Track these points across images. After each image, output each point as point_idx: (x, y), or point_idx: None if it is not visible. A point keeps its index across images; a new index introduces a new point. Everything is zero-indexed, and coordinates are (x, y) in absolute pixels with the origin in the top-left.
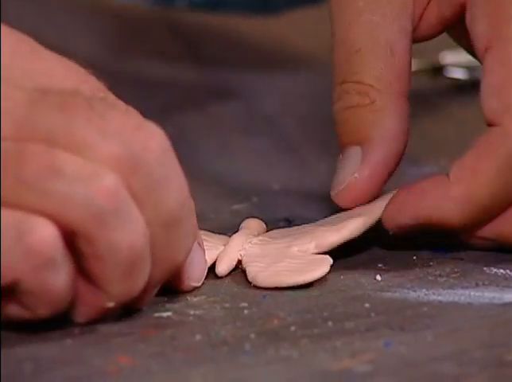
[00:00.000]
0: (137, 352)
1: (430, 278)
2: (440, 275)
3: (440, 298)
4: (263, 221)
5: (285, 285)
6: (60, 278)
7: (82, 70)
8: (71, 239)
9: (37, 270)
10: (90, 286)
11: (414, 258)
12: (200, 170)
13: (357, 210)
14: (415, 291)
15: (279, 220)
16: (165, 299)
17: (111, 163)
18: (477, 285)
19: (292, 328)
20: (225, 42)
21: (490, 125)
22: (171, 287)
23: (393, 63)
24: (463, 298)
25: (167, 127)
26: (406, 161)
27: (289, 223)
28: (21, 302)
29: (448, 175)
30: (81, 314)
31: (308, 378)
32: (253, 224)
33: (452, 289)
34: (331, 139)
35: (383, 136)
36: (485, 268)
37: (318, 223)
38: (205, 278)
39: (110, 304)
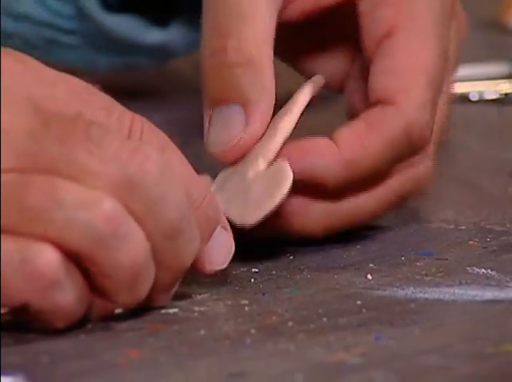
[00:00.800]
0: (145, 346)
1: (417, 277)
2: (426, 275)
3: (426, 295)
4: None
5: (268, 213)
6: (67, 297)
7: (85, 89)
8: (77, 259)
9: (44, 292)
10: (100, 297)
11: (402, 259)
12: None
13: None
14: (403, 289)
15: None
16: (172, 297)
17: (110, 188)
18: (460, 283)
19: (290, 323)
20: None
21: (380, 103)
22: (196, 272)
23: (264, 26)
24: (447, 295)
25: (174, 137)
26: None
27: None
28: (37, 319)
29: (332, 138)
30: (93, 317)
31: (304, 370)
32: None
33: (438, 287)
34: None
35: (265, 96)
36: (468, 268)
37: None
38: (208, 275)
39: (118, 310)
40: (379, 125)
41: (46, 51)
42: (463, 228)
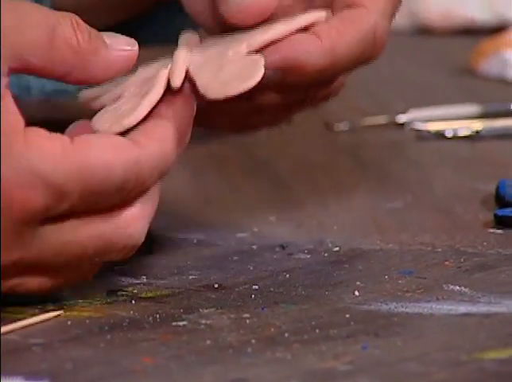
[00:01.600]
0: (158, 354)
1: (399, 293)
2: (407, 291)
3: (407, 309)
4: (260, 245)
5: (230, 95)
6: None
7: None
8: None
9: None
10: None
11: (386, 277)
12: (210, 203)
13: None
14: (387, 304)
15: (276, 246)
16: (181, 311)
17: None
18: (437, 299)
19: (286, 334)
20: None
21: (349, 7)
22: None
23: None
24: (426, 309)
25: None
26: (377, 197)
27: (283, 248)
28: None
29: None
30: None
31: (299, 376)
32: (190, 39)
33: (417, 302)
34: (317, 178)
35: None
36: (444, 285)
37: (247, 29)
38: (213, 291)
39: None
40: (353, 20)
41: None
42: (440, 250)
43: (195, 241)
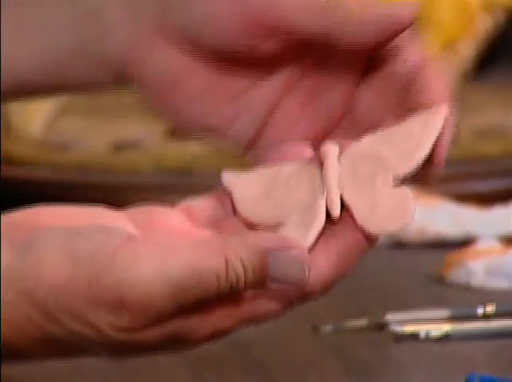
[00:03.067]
0: None
1: None
2: None
3: None
4: None
5: (388, 231)
6: None
7: None
8: None
9: None
10: None
11: None
12: None
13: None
14: None
15: None
16: None
17: None
18: None
19: None
20: None
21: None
22: None
23: None
24: None
25: None
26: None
27: None
28: None
29: None
30: None
31: None
32: (332, 150)
33: None
34: (307, 377)
35: None
36: None
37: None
38: None
39: None
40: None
41: None
42: None
43: None
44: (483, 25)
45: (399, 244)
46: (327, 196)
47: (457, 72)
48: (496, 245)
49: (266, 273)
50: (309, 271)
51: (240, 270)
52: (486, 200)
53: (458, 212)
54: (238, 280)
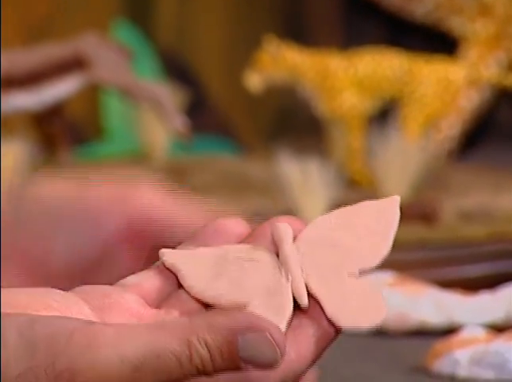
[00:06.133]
0: None
1: None
2: None
3: None
4: None
5: (362, 328)
6: None
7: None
8: None
9: None
10: None
11: None
12: None
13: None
14: None
15: None
16: None
17: None
18: None
19: None
20: None
21: None
22: None
23: None
24: None
25: None
26: None
27: None
28: None
29: None
30: None
31: None
32: (285, 231)
33: None
34: None
35: None
36: None
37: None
38: None
39: None
40: None
41: None
42: None
43: None
44: (468, 101)
45: (378, 332)
46: (292, 283)
47: (441, 151)
48: (482, 333)
49: (235, 355)
50: (283, 354)
51: (204, 352)
52: (472, 286)
53: (441, 299)
54: (203, 363)
